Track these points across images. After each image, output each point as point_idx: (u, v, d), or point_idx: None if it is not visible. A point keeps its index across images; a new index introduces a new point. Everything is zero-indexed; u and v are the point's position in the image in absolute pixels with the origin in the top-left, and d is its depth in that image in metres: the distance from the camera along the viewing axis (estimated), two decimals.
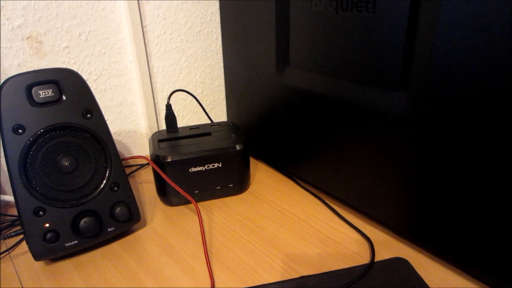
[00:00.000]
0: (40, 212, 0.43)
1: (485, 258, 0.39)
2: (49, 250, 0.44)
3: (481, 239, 0.38)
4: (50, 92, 0.43)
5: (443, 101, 0.37)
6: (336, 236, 0.49)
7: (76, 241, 0.45)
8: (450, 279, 0.42)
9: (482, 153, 0.36)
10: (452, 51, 0.35)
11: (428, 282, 0.41)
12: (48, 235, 0.43)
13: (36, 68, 0.50)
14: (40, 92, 0.42)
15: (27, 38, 0.56)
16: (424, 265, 0.44)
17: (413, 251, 0.46)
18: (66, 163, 0.44)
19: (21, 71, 0.43)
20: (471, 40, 0.33)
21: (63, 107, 0.43)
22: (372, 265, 0.43)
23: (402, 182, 0.44)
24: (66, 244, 0.45)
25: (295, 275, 0.43)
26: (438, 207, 0.41)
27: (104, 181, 0.47)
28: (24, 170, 0.42)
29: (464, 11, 0.33)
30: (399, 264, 0.43)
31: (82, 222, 0.45)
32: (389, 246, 0.47)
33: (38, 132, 0.42)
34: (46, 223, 0.43)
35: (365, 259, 0.45)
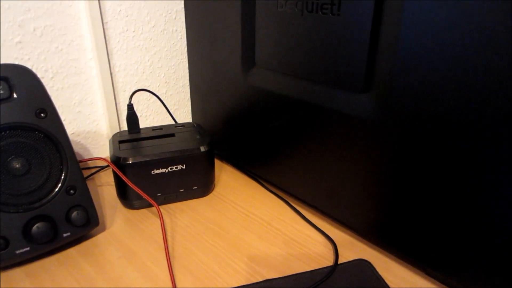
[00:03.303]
0: None
1: (445, 259, 0.40)
2: None
3: (442, 240, 0.39)
4: None
5: (406, 103, 0.38)
6: (300, 238, 0.49)
7: (28, 248, 0.42)
8: (411, 279, 0.43)
9: (444, 156, 0.37)
10: (416, 53, 0.36)
11: (389, 283, 0.42)
12: None
13: None
14: None
15: None
16: (386, 266, 0.45)
17: (376, 252, 0.47)
18: (17, 165, 0.41)
19: None
20: (434, 42, 0.34)
21: (14, 106, 0.41)
22: (335, 267, 0.43)
23: (366, 184, 0.45)
24: (17, 252, 0.42)
25: (259, 279, 0.43)
26: (401, 209, 0.42)
27: (60, 184, 0.44)
28: None
29: (427, 13, 0.34)
30: (362, 266, 0.44)
31: (34, 227, 0.42)
32: (353, 248, 0.48)
33: None
34: None
35: (329, 261, 0.46)
